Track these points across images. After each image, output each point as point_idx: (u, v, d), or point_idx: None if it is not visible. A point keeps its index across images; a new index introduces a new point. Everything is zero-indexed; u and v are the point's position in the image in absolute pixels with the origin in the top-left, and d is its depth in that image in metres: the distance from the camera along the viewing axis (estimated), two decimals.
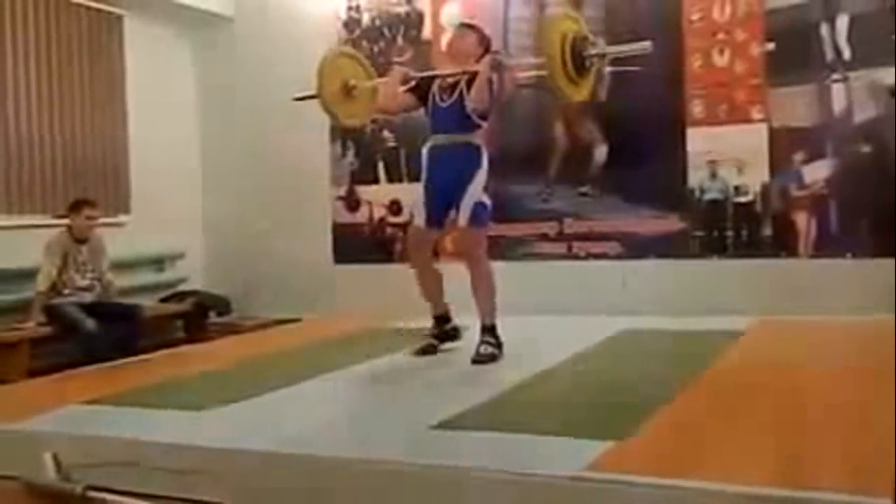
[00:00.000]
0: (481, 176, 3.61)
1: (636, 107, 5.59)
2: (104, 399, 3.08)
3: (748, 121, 5.44)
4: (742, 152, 5.46)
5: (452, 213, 3.63)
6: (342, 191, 6.68)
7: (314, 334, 4.70)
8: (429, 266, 3.80)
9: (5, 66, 5.58)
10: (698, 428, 2.46)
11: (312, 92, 3.93)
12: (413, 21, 6.43)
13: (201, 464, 2.28)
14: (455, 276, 3.78)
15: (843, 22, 5.21)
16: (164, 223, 6.49)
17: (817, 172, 5.31)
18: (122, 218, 6.27)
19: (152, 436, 2.48)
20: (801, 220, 5.35)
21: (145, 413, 2.87)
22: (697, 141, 5.55)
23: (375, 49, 6.46)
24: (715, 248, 5.55)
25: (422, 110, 3.84)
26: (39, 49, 5.81)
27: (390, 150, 6.49)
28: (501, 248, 5.54)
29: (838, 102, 5.25)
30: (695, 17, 5.57)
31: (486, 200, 3.63)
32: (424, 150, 3.74)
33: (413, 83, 3.81)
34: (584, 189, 5.87)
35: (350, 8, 6.64)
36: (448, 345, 3.83)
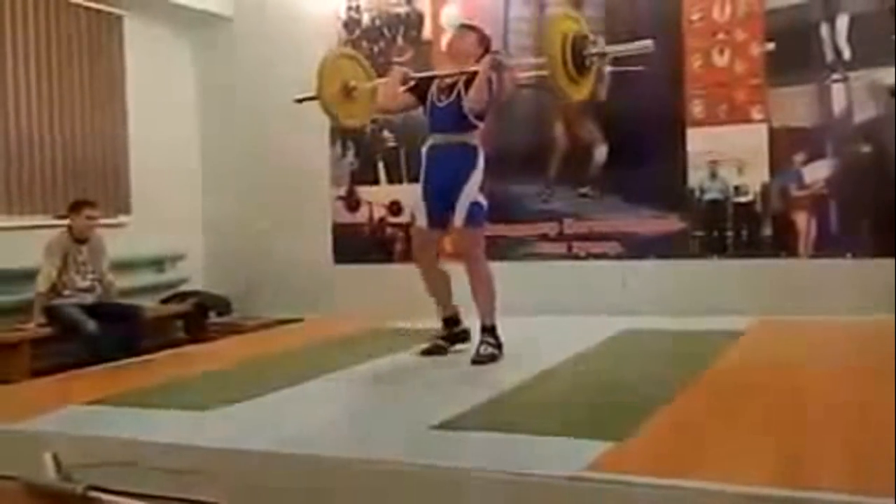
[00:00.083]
0: (477, 176, 3.61)
1: (636, 107, 5.59)
2: (106, 399, 3.08)
3: (748, 121, 5.44)
4: (742, 152, 5.46)
5: (450, 213, 3.63)
6: (342, 191, 6.69)
7: (315, 334, 4.71)
8: (435, 267, 3.80)
9: (5, 67, 5.58)
10: (698, 428, 2.47)
11: (313, 93, 3.93)
12: (413, 21, 6.44)
13: (203, 464, 2.29)
14: (455, 277, 3.79)
15: (843, 22, 5.21)
16: (165, 223, 6.49)
17: (817, 172, 5.31)
18: (122, 218, 6.28)
19: (154, 436, 2.48)
20: (801, 220, 5.35)
21: (147, 413, 2.88)
22: (697, 141, 5.56)
23: (375, 49, 6.47)
24: (715, 248, 5.55)
25: (421, 110, 3.85)
26: (39, 49, 5.81)
27: (390, 151, 6.49)
28: (502, 249, 5.55)
29: (838, 102, 5.25)
30: (695, 17, 5.57)
31: (482, 200, 3.63)
32: (423, 151, 3.75)
33: (412, 83, 3.82)
34: (584, 189, 5.87)
35: (350, 8, 6.65)
36: (456, 347, 3.82)
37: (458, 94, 3.61)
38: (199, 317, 6.48)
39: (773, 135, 5.39)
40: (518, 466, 2.02)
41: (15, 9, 5.65)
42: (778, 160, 5.39)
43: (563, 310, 4.96)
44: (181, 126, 7.01)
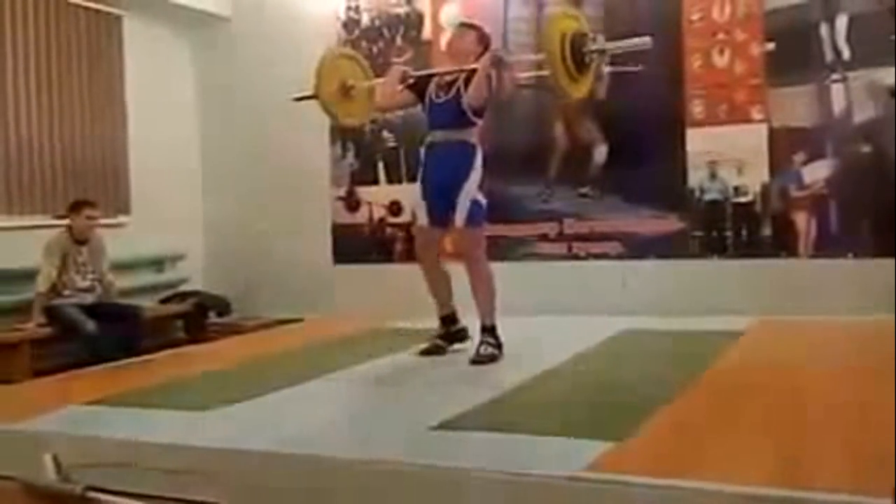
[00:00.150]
0: (476, 174, 3.62)
1: (636, 107, 5.59)
2: (106, 400, 3.08)
3: (748, 121, 5.44)
4: (742, 152, 5.46)
5: (451, 211, 3.63)
6: (342, 191, 6.69)
7: (315, 334, 4.71)
8: (437, 266, 3.80)
9: (5, 67, 5.58)
10: (698, 428, 2.47)
11: (311, 92, 3.94)
12: (413, 21, 6.44)
13: (203, 464, 2.29)
14: (455, 276, 3.79)
15: (842, 22, 5.21)
16: (164, 224, 6.49)
17: (817, 172, 5.31)
18: (122, 219, 6.27)
19: (154, 436, 2.48)
20: (801, 220, 5.35)
21: (147, 414, 2.87)
22: (697, 141, 5.56)
23: (375, 50, 6.46)
24: (715, 248, 5.55)
25: (420, 108, 3.85)
26: (38, 50, 5.81)
27: (390, 151, 6.49)
28: (502, 249, 5.55)
29: (838, 103, 5.25)
30: (694, 17, 5.57)
31: (481, 199, 3.63)
32: (422, 148, 3.75)
33: (411, 80, 3.82)
34: (584, 189, 5.87)
35: (349, 8, 6.64)
36: (455, 346, 3.82)
37: (458, 91, 3.61)
38: (199, 317, 6.48)
39: (773, 135, 5.38)
40: (518, 466, 2.02)
41: (14, 9, 5.65)
42: (778, 160, 5.39)
43: (563, 310, 4.96)
44: (181, 126, 7.01)
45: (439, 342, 3.78)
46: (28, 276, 5.14)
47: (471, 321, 3.77)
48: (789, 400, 2.76)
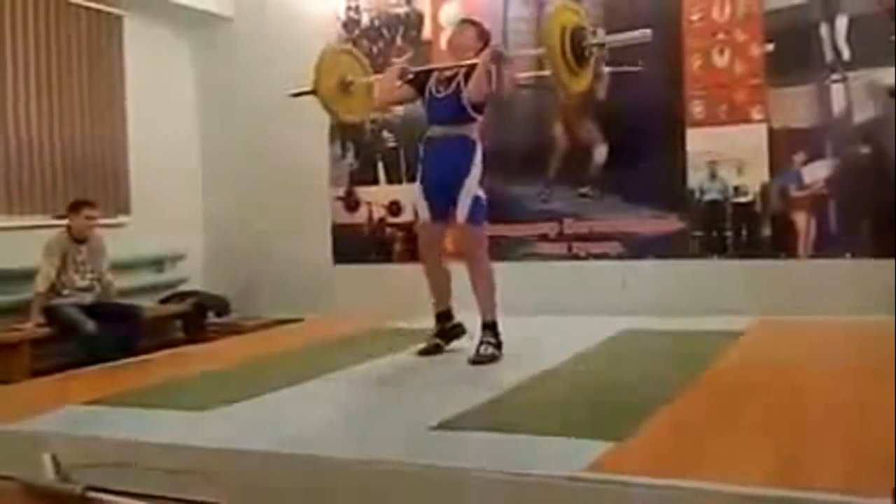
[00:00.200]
0: (477, 170, 3.62)
1: (636, 107, 5.59)
2: (105, 399, 3.08)
3: (748, 121, 5.44)
4: (742, 153, 5.46)
5: (452, 207, 3.63)
6: (342, 191, 6.68)
7: (315, 334, 4.70)
8: (439, 264, 3.81)
9: (5, 67, 5.57)
10: (698, 428, 2.47)
11: (309, 88, 3.94)
12: (412, 21, 6.43)
13: (202, 464, 2.28)
14: (456, 275, 3.79)
15: (842, 22, 5.21)
16: (164, 223, 6.49)
17: (817, 173, 5.31)
18: (121, 218, 6.27)
19: (153, 436, 2.48)
20: (801, 220, 5.35)
21: (146, 413, 2.87)
22: (697, 141, 5.56)
23: (375, 49, 6.46)
24: (714, 248, 5.55)
25: (420, 105, 3.85)
26: (39, 49, 5.80)
27: (390, 151, 6.49)
28: (502, 249, 5.54)
29: (838, 103, 5.25)
30: (694, 17, 5.57)
31: (482, 195, 3.63)
32: (421, 143, 3.75)
33: (411, 75, 3.82)
34: (583, 189, 5.87)
35: (349, 8, 6.64)
36: (453, 343, 3.82)
37: (458, 86, 3.61)
38: (198, 317, 6.47)
39: (773, 135, 5.38)
40: (518, 466, 2.02)
41: (14, 9, 5.65)
42: (777, 160, 5.39)
43: (563, 310, 4.96)
44: (181, 126, 7.00)
45: (438, 341, 3.79)
46: (27, 275, 5.13)
47: (471, 319, 3.77)
48: (789, 400, 2.76)
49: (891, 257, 4.55)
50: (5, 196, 5.54)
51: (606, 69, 5.56)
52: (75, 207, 5.23)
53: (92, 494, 2.29)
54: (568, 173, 5.91)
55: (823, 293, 5.01)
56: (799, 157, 5.35)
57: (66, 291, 5.11)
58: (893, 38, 4.96)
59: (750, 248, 5.46)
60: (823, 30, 5.26)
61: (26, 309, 5.10)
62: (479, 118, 3.67)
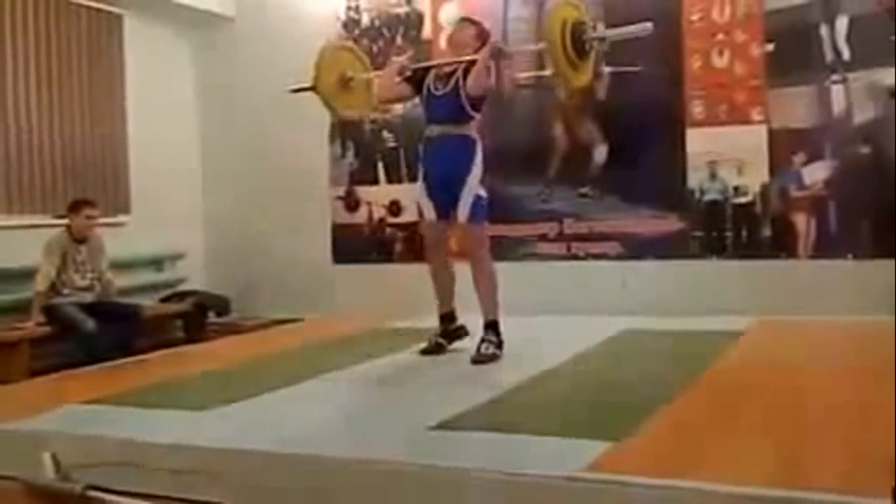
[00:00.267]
0: (478, 168, 3.64)
1: (636, 107, 5.59)
2: (105, 399, 3.08)
3: (748, 122, 5.44)
4: (742, 153, 5.46)
5: (454, 206, 3.64)
6: (341, 191, 6.68)
7: (315, 334, 4.70)
8: (445, 264, 3.82)
9: (5, 66, 5.57)
10: (698, 428, 2.47)
11: (309, 84, 3.94)
12: (413, 21, 6.43)
13: (201, 464, 2.28)
14: (458, 274, 3.80)
15: (842, 23, 5.21)
16: (164, 223, 6.49)
17: (817, 173, 5.31)
18: (121, 218, 6.27)
19: (153, 436, 2.48)
20: (801, 220, 5.35)
21: (146, 413, 2.87)
22: (697, 141, 5.56)
23: (375, 49, 6.46)
24: (714, 248, 5.55)
25: (418, 101, 3.85)
26: (39, 49, 5.80)
27: (390, 151, 6.49)
28: (502, 249, 5.53)
29: (838, 103, 5.25)
30: (694, 17, 5.57)
31: (483, 193, 3.64)
32: (421, 143, 3.75)
33: (409, 73, 3.82)
34: (583, 189, 5.87)
35: (350, 8, 6.64)
36: (455, 343, 3.82)
37: (456, 84, 3.61)
38: (199, 316, 6.47)
39: (773, 135, 5.38)
40: (517, 466, 2.02)
41: (15, 8, 5.64)
42: (777, 161, 5.39)
43: (563, 310, 4.96)
44: (181, 126, 7.00)
45: (440, 340, 3.79)
46: (28, 275, 5.13)
47: (473, 320, 3.77)
48: (789, 400, 2.76)
49: (891, 257, 4.55)
50: (5, 195, 5.54)
51: (606, 69, 5.57)
52: (75, 207, 5.23)
53: (92, 494, 2.29)
54: (568, 173, 5.90)
55: (823, 293, 5.01)
56: (799, 158, 5.35)
57: (66, 291, 5.11)
58: (894, 38, 4.96)
59: (750, 249, 5.46)
60: (823, 30, 5.26)
61: (26, 308, 5.09)
62: (478, 116, 3.67)
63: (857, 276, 5.02)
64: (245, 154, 6.94)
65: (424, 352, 3.75)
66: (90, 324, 4.93)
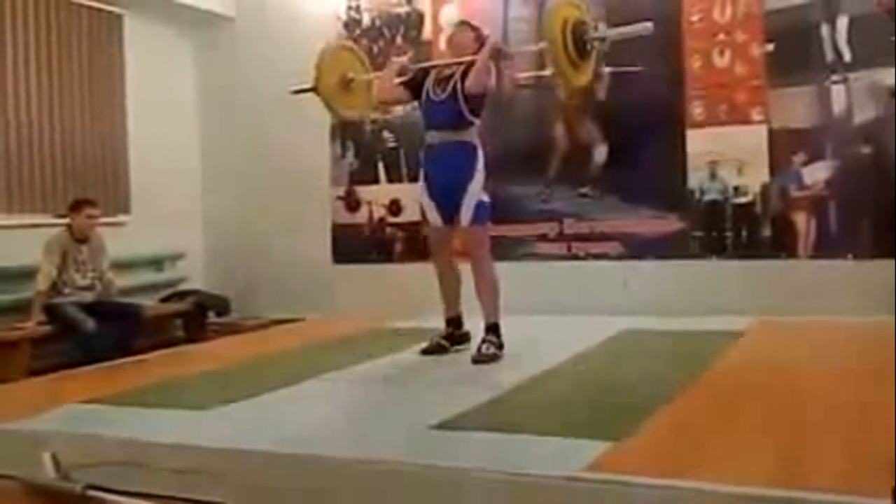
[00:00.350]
0: (480, 175, 3.64)
1: (636, 107, 5.58)
2: (105, 399, 3.08)
3: (748, 122, 5.44)
4: (742, 153, 5.46)
5: (457, 211, 3.64)
6: (342, 191, 6.68)
7: (315, 334, 4.70)
8: (451, 267, 3.82)
9: (5, 66, 5.57)
10: (698, 428, 2.47)
11: (310, 85, 3.94)
12: (413, 21, 6.43)
13: (201, 463, 2.28)
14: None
15: (843, 23, 5.21)
16: (164, 223, 6.49)
17: (817, 173, 5.31)
18: (121, 218, 6.27)
19: (153, 435, 2.48)
20: (801, 221, 5.34)
21: (146, 413, 2.87)
22: (697, 141, 5.56)
23: (375, 49, 6.46)
24: (715, 248, 5.55)
25: (416, 106, 3.85)
26: (39, 48, 5.81)
27: (390, 151, 6.49)
28: (502, 249, 5.53)
29: (838, 104, 5.25)
30: (695, 17, 5.57)
31: (486, 198, 3.65)
32: (422, 150, 3.75)
33: (409, 76, 3.82)
34: (583, 189, 5.87)
35: (350, 8, 6.64)
36: (456, 347, 3.82)
37: (455, 88, 3.61)
38: (199, 316, 6.47)
39: (773, 136, 5.38)
40: (518, 466, 2.02)
41: (15, 8, 5.65)
42: (778, 161, 5.39)
43: (564, 310, 4.96)
44: (181, 125, 7.00)
45: (442, 342, 3.78)
46: (28, 274, 5.13)
47: (474, 322, 3.77)
48: (789, 400, 2.76)
49: (891, 257, 4.55)
50: (6, 194, 5.54)
51: (607, 69, 5.57)
52: (76, 206, 5.23)
53: (92, 493, 2.29)
54: (568, 173, 5.90)
55: (823, 294, 5.01)
56: (799, 158, 5.35)
57: (66, 290, 5.11)
58: (894, 38, 4.96)
59: (750, 249, 5.46)
60: (824, 30, 5.26)
61: (27, 308, 5.09)
62: (478, 122, 3.66)
63: (857, 277, 5.02)
64: (245, 154, 6.94)
65: (425, 352, 3.75)
66: (90, 323, 4.93)
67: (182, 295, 6.61)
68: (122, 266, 5.87)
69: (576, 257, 5.89)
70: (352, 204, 6.65)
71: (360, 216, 6.61)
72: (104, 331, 4.93)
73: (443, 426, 2.49)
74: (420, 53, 6.27)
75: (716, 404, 2.76)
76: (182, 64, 7.11)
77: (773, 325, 4.33)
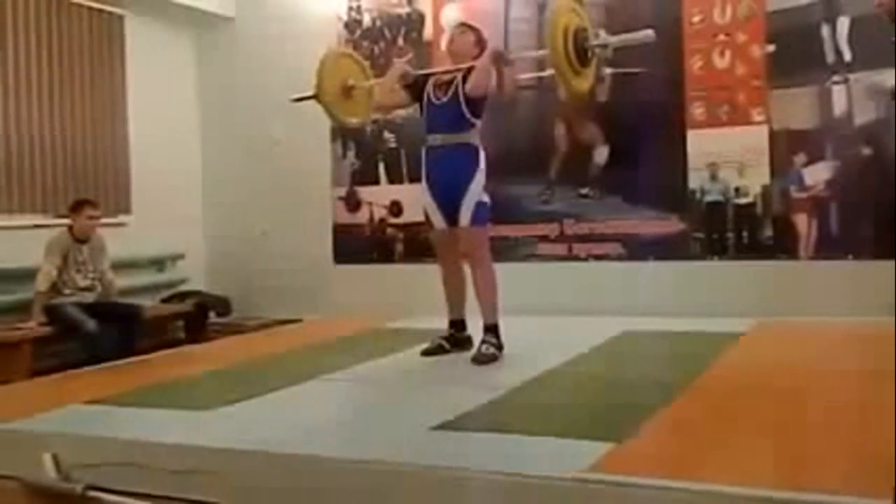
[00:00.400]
0: (480, 175, 3.65)
1: (637, 108, 5.59)
2: (106, 399, 3.09)
3: (749, 123, 5.44)
4: (743, 154, 5.46)
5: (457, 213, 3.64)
6: (343, 191, 6.68)
7: (315, 334, 4.71)
8: (457, 269, 3.82)
9: (6, 67, 5.58)
10: (698, 429, 2.47)
11: (311, 93, 3.93)
12: (414, 22, 6.44)
13: (202, 464, 2.29)
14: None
15: (843, 24, 5.21)
16: (165, 223, 6.49)
17: (818, 174, 5.31)
18: (122, 218, 6.27)
19: (154, 436, 2.48)
20: (802, 221, 5.34)
21: (147, 413, 2.88)
22: (698, 143, 5.55)
23: (376, 50, 6.46)
24: (715, 249, 5.55)
25: (417, 109, 3.85)
26: (40, 49, 5.81)
27: (391, 151, 6.49)
28: (503, 250, 5.54)
29: (839, 104, 5.25)
30: (695, 18, 5.57)
31: (486, 199, 3.65)
32: (423, 153, 3.75)
33: (410, 80, 3.82)
34: (584, 190, 5.87)
35: (351, 9, 6.64)
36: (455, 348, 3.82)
37: (456, 91, 3.62)
38: (200, 317, 6.47)
39: (774, 136, 5.38)
40: (518, 467, 2.02)
41: (16, 8, 5.65)
42: (778, 162, 5.39)
43: (564, 311, 4.96)
44: (182, 126, 7.01)
45: (443, 343, 3.78)
46: (29, 275, 5.13)
47: (474, 322, 3.77)
48: (789, 401, 2.76)
49: (891, 258, 4.55)
50: (7, 195, 5.54)
51: (608, 70, 5.57)
52: (77, 207, 5.23)
53: (92, 494, 2.29)
54: (569, 174, 5.90)
55: (824, 295, 5.00)
56: (800, 159, 5.35)
57: (67, 291, 5.11)
58: (894, 39, 4.96)
59: (751, 250, 5.46)
60: (825, 31, 5.26)
61: (28, 308, 5.10)
62: (479, 123, 3.67)
63: (857, 278, 5.02)
64: (246, 154, 6.95)
65: (426, 353, 3.75)
66: (91, 324, 4.93)
67: (183, 295, 6.61)
68: (123, 266, 5.87)
69: (576, 258, 5.89)
70: (352, 204, 6.65)
71: (361, 216, 6.61)
72: (105, 331, 4.93)
73: (443, 427, 2.50)
74: (421, 54, 6.28)
75: (717, 405, 2.76)
76: (182, 64, 7.11)
77: (773, 325, 4.33)
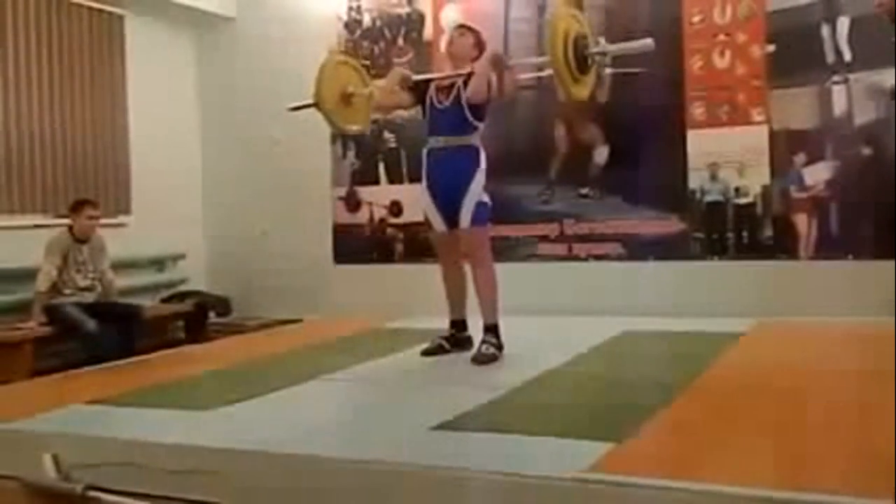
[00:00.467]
0: (481, 176, 3.65)
1: (637, 108, 5.59)
2: (106, 399, 3.09)
3: (749, 123, 5.44)
4: (743, 154, 5.46)
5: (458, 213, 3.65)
6: (343, 191, 6.69)
7: (315, 334, 4.71)
8: (459, 270, 3.82)
9: (7, 66, 5.58)
10: (698, 429, 2.47)
11: (309, 100, 3.92)
12: (414, 22, 6.44)
13: (202, 464, 2.29)
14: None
15: (843, 24, 5.21)
16: (165, 223, 6.50)
17: (818, 174, 5.31)
18: (122, 218, 6.27)
19: (154, 436, 2.48)
20: (802, 221, 5.34)
21: (147, 413, 2.88)
22: (698, 143, 5.55)
23: (376, 50, 6.46)
24: (715, 249, 5.55)
25: (418, 111, 3.85)
26: (41, 49, 5.81)
27: (391, 151, 6.49)
28: (503, 250, 5.54)
29: (839, 104, 5.25)
30: (695, 18, 5.57)
31: (487, 199, 3.66)
32: (424, 154, 3.75)
33: (411, 84, 3.82)
34: (584, 190, 5.87)
35: (351, 9, 6.65)
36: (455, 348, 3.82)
37: (458, 94, 3.63)
38: (200, 317, 6.47)
39: (774, 136, 5.38)
40: (518, 467, 2.02)
41: (17, 8, 5.65)
42: (778, 162, 5.39)
43: (564, 311, 4.97)
44: (182, 126, 7.01)
45: (443, 343, 3.78)
46: (29, 275, 5.13)
47: (473, 322, 3.77)
48: (789, 401, 2.76)
49: (891, 258, 4.55)
50: (7, 195, 5.54)
51: (608, 70, 5.56)
52: (77, 207, 5.23)
53: (92, 494, 2.30)
54: (569, 174, 5.90)
55: (824, 295, 5.01)
56: (800, 159, 5.35)
57: (67, 291, 5.11)
58: (894, 39, 4.96)
59: (751, 250, 5.46)
60: (825, 31, 5.26)
61: (28, 308, 5.10)
62: (481, 126, 3.68)
63: (857, 278, 5.02)
64: (246, 154, 6.95)
65: (426, 353, 3.75)
66: (91, 324, 4.93)
67: (183, 295, 6.61)
68: (123, 267, 5.87)
69: (576, 258, 5.89)
70: (352, 204, 6.65)
71: (361, 216, 6.62)
72: (105, 331, 4.93)
73: (443, 426, 2.50)
74: (421, 54, 6.28)
75: (717, 405, 2.76)
76: (182, 64, 7.11)
77: (773, 325, 4.34)
